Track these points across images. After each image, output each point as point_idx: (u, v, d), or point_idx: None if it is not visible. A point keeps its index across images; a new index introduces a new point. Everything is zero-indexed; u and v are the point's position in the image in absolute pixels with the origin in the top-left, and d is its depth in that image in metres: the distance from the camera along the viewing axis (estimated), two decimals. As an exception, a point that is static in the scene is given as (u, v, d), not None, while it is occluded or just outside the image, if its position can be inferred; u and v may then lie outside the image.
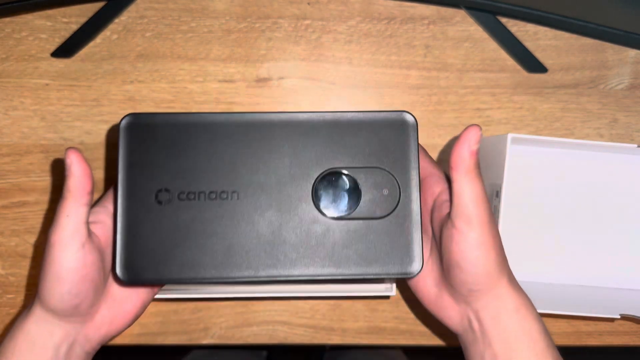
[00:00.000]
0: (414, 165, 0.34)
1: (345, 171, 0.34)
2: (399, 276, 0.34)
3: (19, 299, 0.50)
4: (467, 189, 0.32)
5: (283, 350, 0.73)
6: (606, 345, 0.51)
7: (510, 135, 0.41)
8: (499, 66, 0.50)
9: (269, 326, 0.51)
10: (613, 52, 0.50)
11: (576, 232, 0.49)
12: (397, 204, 0.34)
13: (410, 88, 0.50)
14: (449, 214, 0.34)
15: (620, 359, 0.63)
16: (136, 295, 0.36)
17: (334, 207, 0.34)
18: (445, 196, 0.36)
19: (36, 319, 0.33)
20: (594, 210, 0.49)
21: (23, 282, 0.50)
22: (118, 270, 0.32)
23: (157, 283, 0.35)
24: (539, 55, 0.50)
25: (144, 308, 0.37)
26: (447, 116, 0.50)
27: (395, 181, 0.34)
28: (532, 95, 0.50)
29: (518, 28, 0.50)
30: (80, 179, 0.32)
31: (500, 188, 0.41)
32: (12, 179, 0.49)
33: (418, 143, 0.34)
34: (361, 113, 0.34)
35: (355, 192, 0.34)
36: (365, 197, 0.34)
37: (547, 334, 0.35)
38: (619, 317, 0.42)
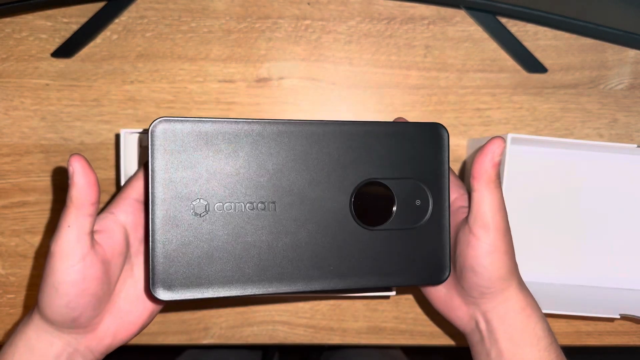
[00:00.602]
0: (444, 176, 0.35)
1: (381, 181, 0.34)
2: (428, 284, 0.35)
3: (19, 299, 0.50)
4: (488, 198, 0.33)
5: (282, 349, 0.73)
6: (606, 345, 0.51)
7: (510, 135, 0.41)
8: (499, 66, 0.50)
9: (269, 326, 0.51)
10: (613, 52, 0.50)
11: (576, 231, 0.49)
12: (428, 214, 0.35)
13: (410, 88, 0.50)
14: (465, 219, 0.35)
15: (620, 359, 0.63)
16: (143, 307, 0.35)
17: (370, 218, 0.34)
18: (461, 202, 0.37)
19: (36, 327, 0.33)
20: (594, 210, 0.49)
21: (23, 282, 0.50)
22: (155, 290, 0.31)
23: (195, 300, 0.33)
24: (539, 56, 0.50)
25: (150, 319, 0.36)
26: (447, 116, 0.50)
27: (427, 192, 0.35)
28: (532, 95, 0.50)
29: (518, 28, 0.50)
30: (83, 189, 0.30)
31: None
32: (12, 179, 0.49)
33: (449, 155, 0.35)
34: (396, 124, 0.35)
35: (390, 203, 0.34)
36: (399, 208, 0.34)
37: (551, 332, 0.36)
38: (618, 317, 0.42)
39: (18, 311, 0.50)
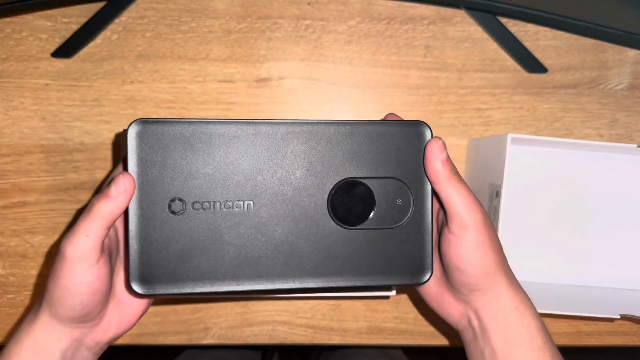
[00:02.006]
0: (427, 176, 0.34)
1: (360, 181, 0.34)
2: (410, 284, 0.34)
3: (19, 299, 0.50)
4: (454, 196, 0.33)
5: (282, 349, 0.73)
6: (606, 345, 0.51)
7: (510, 136, 0.41)
8: (499, 66, 0.50)
9: (269, 326, 0.51)
10: (613, 52, 0.50)
11: (576, 232, 0.49)
12: (409, 214, 0.34)
13: (410, 88, 0.50)
14: (445, 219, 0.34)
15: (620, 359, 0.63)
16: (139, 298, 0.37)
17: (348, 217, 0.34)
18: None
19: (43, 325, 0.33)
20: (593, 210, 0.49)
21: (23, 282, 0.50)
22: (133, 284, 0.32)
23: (171, 296, 0.34)
24: (539, 56, 0.50)
25: (149, 306, 0.37)
26: (447, 116, 0.50)
27: (408, 192, 0.34)
28: (532, 95, 0.50)
29: (518, 28, 0.50)
30: (119, 207, 0.31)
31: (500, 188, 0.41)
32: (12, 179, 0.49)
33: None
34: (377, 123, 0.34)
35: (369, 202, 0.34)
36: (379, 207, 0.34)
37: (546, 330, 0.35)
38: (618, 317, 0.42)
39: (18, 311, 0.50)
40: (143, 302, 0.36)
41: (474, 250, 0.33)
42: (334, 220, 0.33)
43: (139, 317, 0.36)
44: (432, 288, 0.38)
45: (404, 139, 0.34)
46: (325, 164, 0.33)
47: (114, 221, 0.31)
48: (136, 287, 0.32)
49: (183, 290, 0.32)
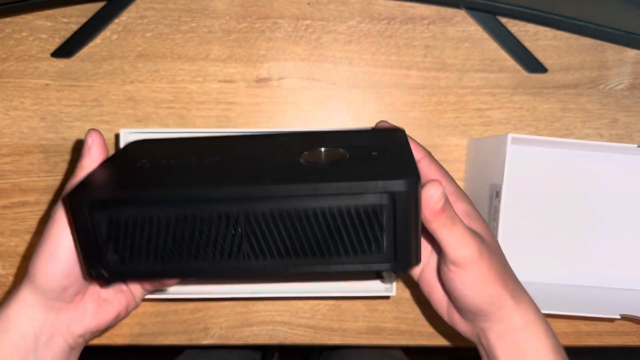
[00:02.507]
0: (409, 147, 0.32)
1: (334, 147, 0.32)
2: (389, 190, 0.28)
3: (19, 299, 0.50)
4: (449, 238, 0.31)
5: (282, 349, 0.73)
6: (606, 346, 0.51)
7: (510, 136, 0.41)
8: (499, 66, 0.50)
9: (269, 326, 0.50)
10: (613, 52, 0.50)
11: (576, 232, 0.49)
12: (387, 152, 0.31)
13: (410, 88, 0.50)
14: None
15: (620, 359, 0.63)
16: (119, 299, 0.36)
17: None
18: (448, 187, 0.36)
19: (18, 304, 0.33)
20: (594, 210, 0.49)
21: (23, 282, 0.50)
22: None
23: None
24: (539, 56, 0.50)
25: (128, 308, 0.37)
26: (447, 116, 0.50)
27: (384, 149, 0.31)
28: (532, 95, 0.50)
29: (518, 28, 0.50)
30: (96, 161, 0.32)
31: (500, 188, 0.41)
32: (12, 179, 0.49)
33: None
34: (351, 131, 0.35)
35: (341, 154, 0.31)
36: (350, 159, 0.31)
37: (559, 348, 0.35)
38: (619, 317, 0.42)
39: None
40: (122, 303, 0.36)
41: (471, 286, 0.33)
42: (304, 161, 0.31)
43: (116, 315, 0.36)
44: (443, 304, 0.37)
45: (381, 139, 0.34)
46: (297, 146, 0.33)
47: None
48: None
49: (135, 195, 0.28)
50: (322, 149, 0.32)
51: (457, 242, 0.31)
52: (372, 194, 0.28)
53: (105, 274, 0.30)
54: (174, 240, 0.29)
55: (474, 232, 0.33)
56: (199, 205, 0.28)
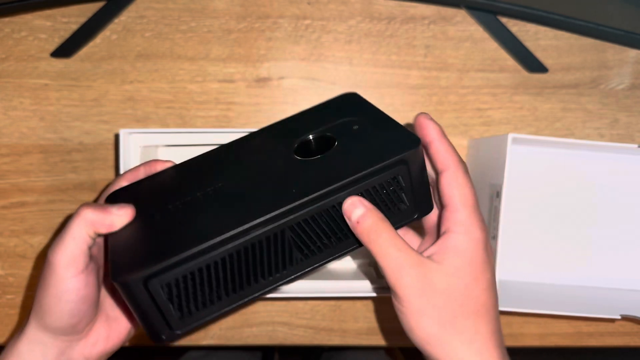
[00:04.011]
0: (378, 111, 0.35)
1: (320, 133, 0.35)
2: (403, 153, 0.31)
3: (19, 299, 0.50)
4: (380, 258, 0.30)
5: (282, 350, 0.73)
6: (607, 346, 0.51)
7: (510, 136, 0.41)
8: (500, 66, 0.50)
9: (268, 327, 0.50)
10: (614, 52, 0.50)
11: (576, 232, 0.49)
12: (366, 123, 0.34)
13: (411, 88, 0.50)
14: None
15: (620, 360, 0.63)
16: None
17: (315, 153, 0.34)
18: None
19: (29, 340, 0.32)
20: (594, 211, 0.49)
21: (22, 282, 0.50)
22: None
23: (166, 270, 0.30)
24: (540, 55, 0.49)
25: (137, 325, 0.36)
26: (447, 116, 0.50)
27: (362, 122, 0.35)
28: (532, 95, 0.50)
29: (519, 28, 0.49)
30: (117, 220, 0.31)
31: (501, 188, 0.41)
32: (11, 179, 0.49)
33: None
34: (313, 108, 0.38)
35: (330, 139, 0.34)
36: (340, 140, 0.34)
37: None
38: (619, 317, 0.42)
39: (17, 312, 0.50)
40: (132, 318, 0.35)
41: (408, 317, 0.30)
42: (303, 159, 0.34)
43: (127, 333, 0.36)
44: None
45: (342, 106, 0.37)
46: (283, 138, 0.35)
47: (107, 230, 0.31)
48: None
49: (169, 261, 0.29)
50: (310, 138, 0.35)
51: (389, 268, 0.30)
52: (391, 168, 0.31)
53: (176, 333, 0.30)
54: (231, 276, 0.30)
55: (415, 256, 0.30)
56: (243, 237, 0.29)
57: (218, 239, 0.29)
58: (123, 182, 0.35)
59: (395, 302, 0.30)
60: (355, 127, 0.34)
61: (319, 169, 0.32)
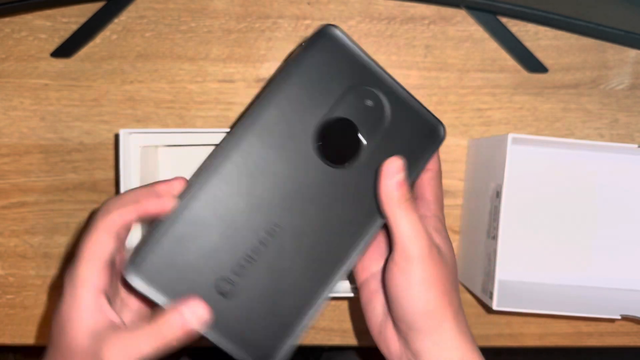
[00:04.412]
0: (378, 69, 0.34)
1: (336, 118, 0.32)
2: (435, 145, 0.33)
3: (18, 299, 0.50)
4: (402, 222, 0.30)
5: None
6: (607, 346, 0.51)
7: (510, 136, 0.41)
8: (500, 66, 0.50)
9: (268, 327, 0.50)
10: (614, 52, 0.50)
11: (576, 232, 0.49)
12: (387, 104, 0.33)
13: (411, 88, 0.49)
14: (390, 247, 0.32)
15: (620, 360, 0.63)
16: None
17: (339, 153, 0.32)
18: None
19: None
20: (594, 211, 0.49)
21: (22, 282, 0.50)
22: (129, 271, 0.29)
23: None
24: (540, 55, 0.49)
25: None
26: (447, 116, 0.50)
27: (372, 90, 0.33)
28: (532, 95, 0.50)
29: (519, 28, 0.49)
30: (160, 207, 0.29)
31: (501, 188, 0.41)
32: (11, 179, 0.49)
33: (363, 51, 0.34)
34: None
35: (354, 135, 0.32)
36: (362, 130, 0.32)
37: None
38: (619, 317, 0.42)
39: (17, 312, 0.50)
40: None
41: (415, 285, 0.30)
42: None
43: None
44: (379, 316, 0.34)
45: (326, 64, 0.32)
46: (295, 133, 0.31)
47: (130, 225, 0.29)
48: (132, 277, 0.29)
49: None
50: (327, 132, 0.31)
51: (411, 232, 0.30)
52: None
53: None
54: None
55: (428, 233, 0.31)
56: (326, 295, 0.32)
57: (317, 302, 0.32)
58: (131, 216, 0.30)
59: (397, 273, 0.31)
60: (369, 102, 0.32)
61: (360, 188, 0.32)
